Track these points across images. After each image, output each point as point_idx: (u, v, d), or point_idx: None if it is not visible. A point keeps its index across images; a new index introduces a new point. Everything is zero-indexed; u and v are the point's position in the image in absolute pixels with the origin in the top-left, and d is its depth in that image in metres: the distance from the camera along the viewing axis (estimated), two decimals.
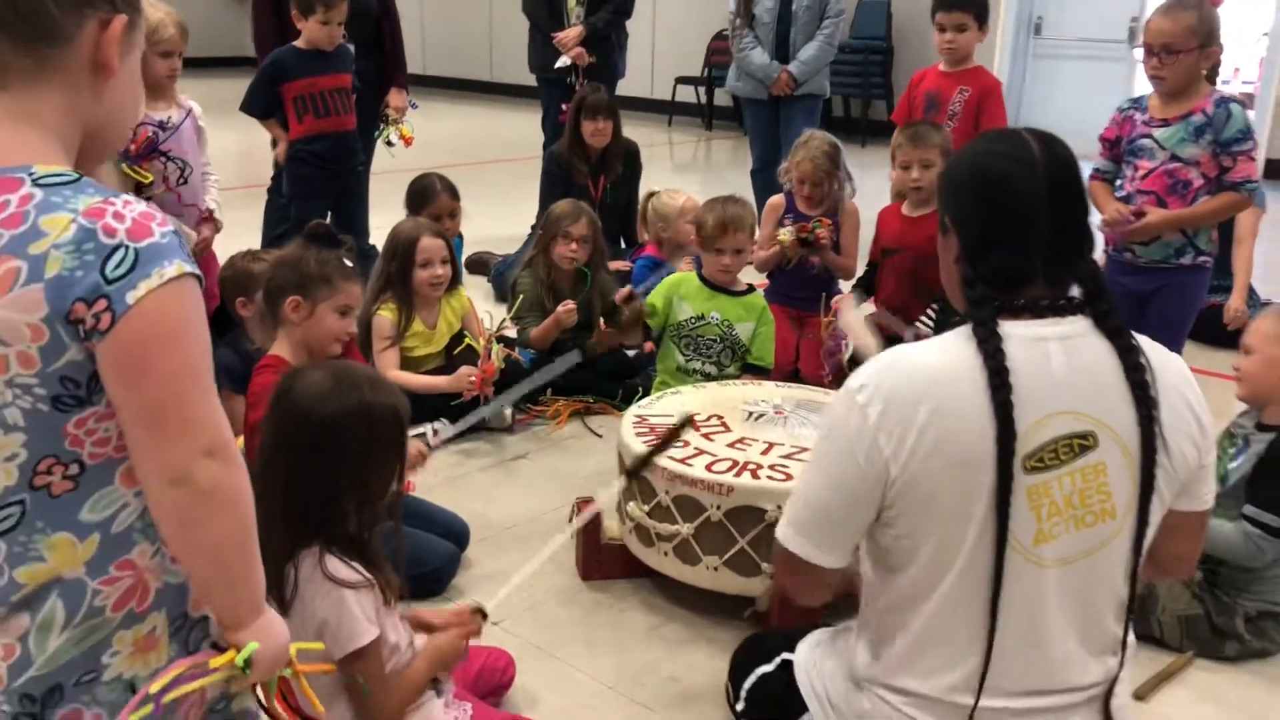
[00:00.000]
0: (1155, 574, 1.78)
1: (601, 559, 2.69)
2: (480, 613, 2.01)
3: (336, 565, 1.75)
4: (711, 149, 10.15)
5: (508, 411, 3.57)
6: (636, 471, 2.45)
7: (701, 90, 10.91)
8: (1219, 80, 5.11)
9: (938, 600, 1.59)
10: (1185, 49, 2.80)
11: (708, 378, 3.48)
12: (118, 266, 1.08)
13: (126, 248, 1.09)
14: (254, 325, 2.70)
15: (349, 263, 2.56)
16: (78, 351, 1.09)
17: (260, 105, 4.41)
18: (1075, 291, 1.61)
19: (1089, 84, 8.90)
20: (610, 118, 4.96)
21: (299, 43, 4.35)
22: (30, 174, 1.12)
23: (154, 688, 1.16)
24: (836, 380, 3.81)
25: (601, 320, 3.85)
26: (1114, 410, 1.54)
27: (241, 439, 2.82)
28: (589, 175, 4.99)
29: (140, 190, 3.10)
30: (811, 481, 1.64)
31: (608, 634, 2.50)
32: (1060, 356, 1.54)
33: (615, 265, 4.74)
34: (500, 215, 5.94)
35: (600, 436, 3.54)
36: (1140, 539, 1.59)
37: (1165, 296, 2.98)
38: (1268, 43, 8.54)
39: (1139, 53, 2.91)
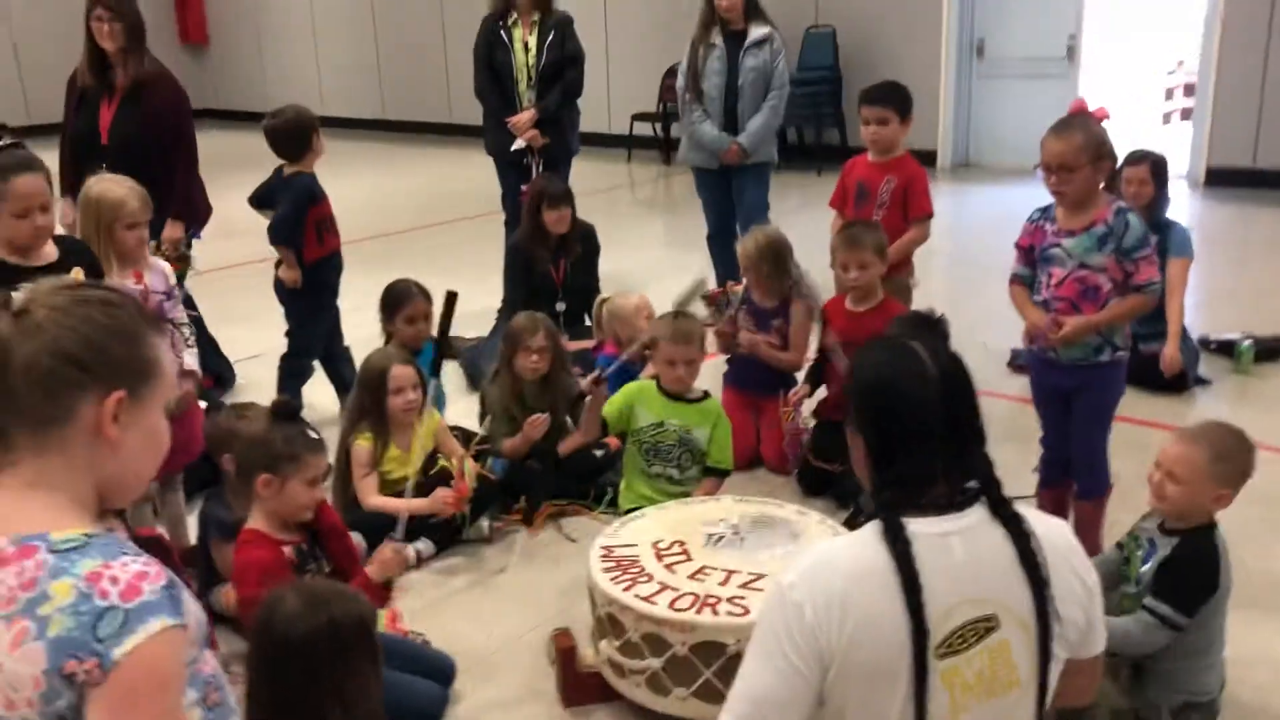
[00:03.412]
0: (1060, 702, 2.00)
1: (580, 686, 2.89)
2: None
3: None
4: (672, 185, 10.33)
5: (485, 523, 3.77)
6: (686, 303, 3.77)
7: (658, 126, 11.10)
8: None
9: None
10: (1078, 165, 3.02)
11: (670, 480, 3.69)
12: (108, 626, 1.27)
13: (117, 609, 1.28)
14: (232, 492, 2.90)
15: (314, 434, 2.76)
16: (72, 697, 1.27)
17: (299, 235, 4.36)
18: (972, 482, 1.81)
19: (1032, 101, 9.12)
20: (570, 204, 5.17)
21: (307, 167, 4.38)
22: (46, 541, 1.32)
23: None
24: (800, 472, 4.02)
25: (569, 419, 4.05)
26: (1011, 592, 1.75)
27: (229, 590, 3.01)
28: (550, 262, 5.19)
29: None
30: (753, 676, 1.77)
31: None
32: (960, 548, 1.74)
33: (577, 345, 4.93)
34: (463, 286, 6.06)
35: (575, 542, 3.72)
36: (1043, 698, 1.81)
37: (1088, 392, 3.19)
38: (1201, 50, 8.81)
39: (1040, 173, 3.12)
